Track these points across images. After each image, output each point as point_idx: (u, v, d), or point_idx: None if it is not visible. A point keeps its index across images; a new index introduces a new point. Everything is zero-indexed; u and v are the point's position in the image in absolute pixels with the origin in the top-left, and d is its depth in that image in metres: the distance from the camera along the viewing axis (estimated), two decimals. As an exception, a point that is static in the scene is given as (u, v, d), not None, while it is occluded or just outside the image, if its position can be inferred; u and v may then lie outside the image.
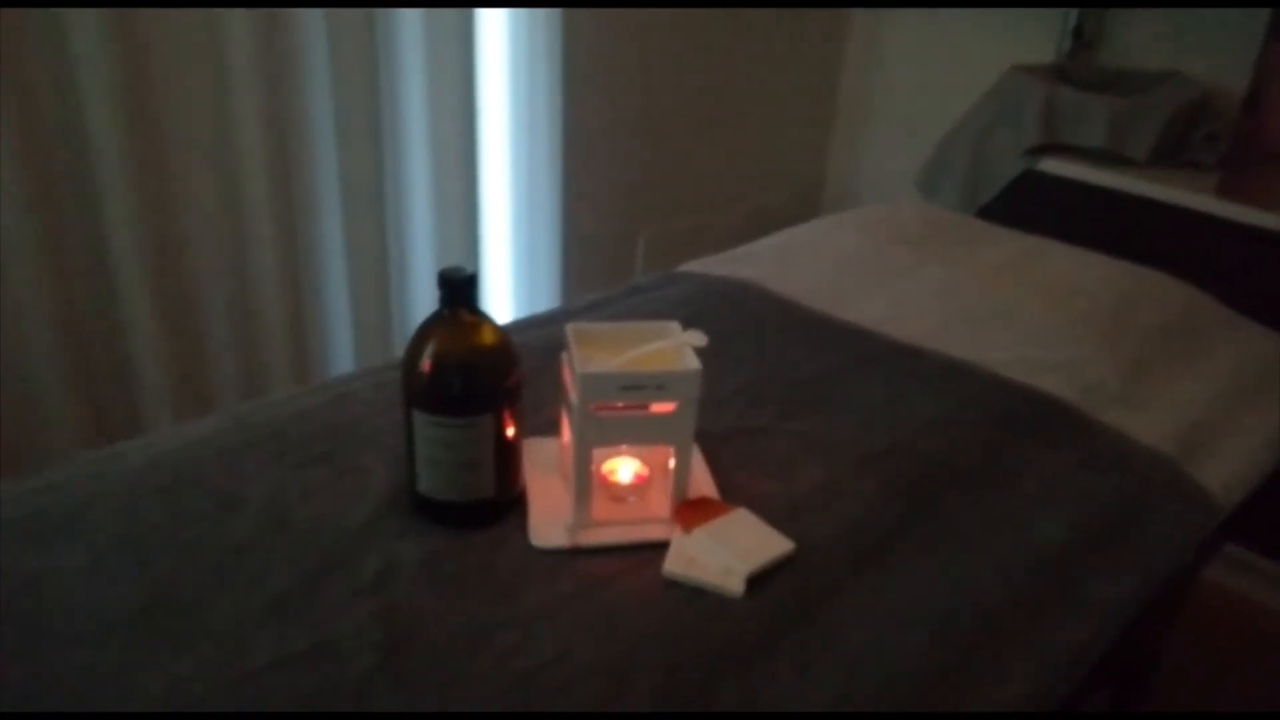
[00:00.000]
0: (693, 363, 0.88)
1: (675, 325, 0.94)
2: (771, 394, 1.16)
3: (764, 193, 2.80)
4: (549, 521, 0.91)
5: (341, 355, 1.88)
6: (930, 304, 1.37)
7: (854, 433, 1.09)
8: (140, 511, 0.89)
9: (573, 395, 0.87)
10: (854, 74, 2.87)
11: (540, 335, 1.23)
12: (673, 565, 0.86)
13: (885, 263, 1.48)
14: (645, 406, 0.88)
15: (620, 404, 0.87)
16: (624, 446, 0.96)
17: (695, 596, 0.84)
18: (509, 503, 0.93)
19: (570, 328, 0.91)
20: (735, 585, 0.84)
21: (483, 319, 0.87)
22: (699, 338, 0.90)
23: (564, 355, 0.93)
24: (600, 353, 0.90)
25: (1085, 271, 1.48)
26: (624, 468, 0.97)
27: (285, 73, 1.61)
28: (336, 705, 0.71)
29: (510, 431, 0.90)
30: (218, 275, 1.65)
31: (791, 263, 1.49)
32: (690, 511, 0.91)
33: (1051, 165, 2.19)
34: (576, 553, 0.88)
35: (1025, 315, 1.34)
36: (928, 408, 1.15)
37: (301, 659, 0.75)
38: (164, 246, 1.56)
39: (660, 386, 0.86)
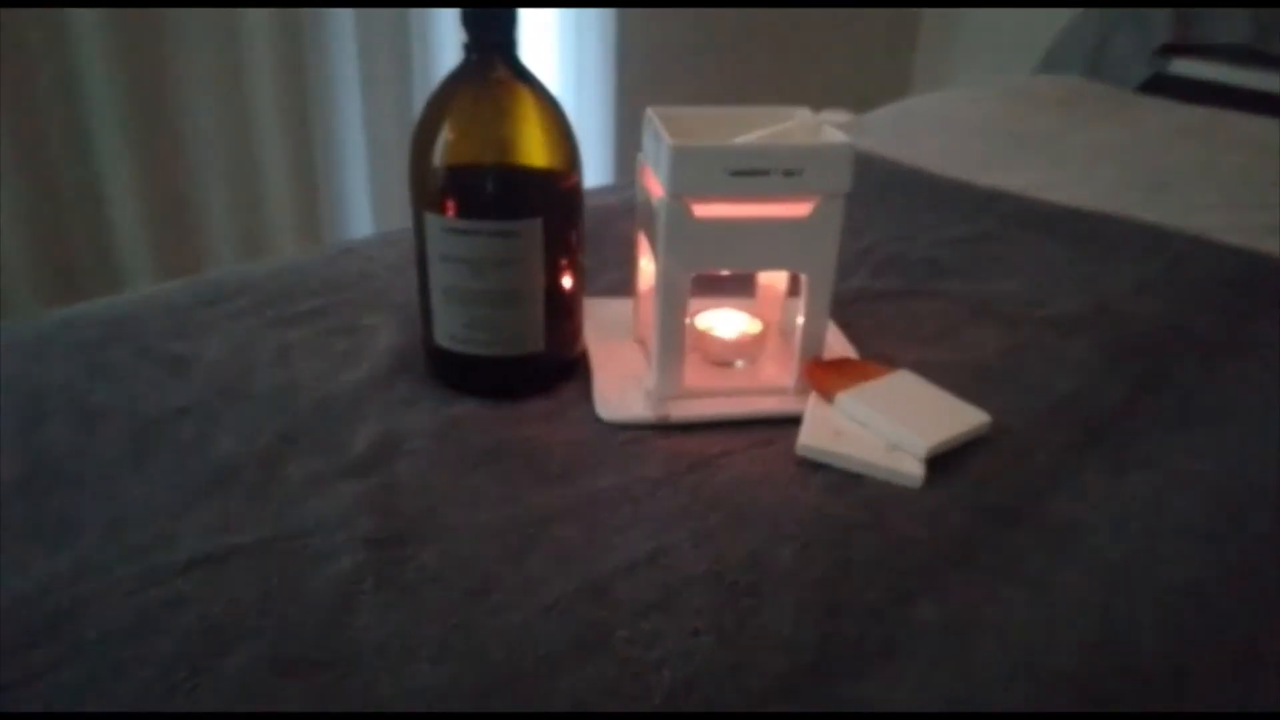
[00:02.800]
0: (840, 137, 0.60)
1: (803, 110, 0.65)
2: (911, 255, 0.87)
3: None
4: (623, 390, 0.64)
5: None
6: (1097, 169, 1.07)
7: (1037, 294, 0.79)
8: (44, 370, 0.63)
9: (659, 191, 0.59)
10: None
11: (598, 203, 0.95)
12: (813, 439, 0.57)
13: (1029, 128, 1.18)
14: (766, 207, 0.59)
15: (730, 200, 0.58)
16: (729, 289, 0.68)
17: (848, 483, 0.55)
18: (564, 366, 0.66)
19: (652, 109, 0.63)
20: (909, 467, 0.55)
21: (528, 79, 0.59)
22: (840, 115, 0.62)
23: (640, 156, 0.65)
24: (699, 140, 0.62)
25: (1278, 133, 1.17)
26: (727, 322, 0.69)
27: None
28: (299, 620, 0.44)
29: (567, 258, 0.62)
30: (218, 173, 1.39)
31: (912, 132, 1.20)
32: (829, 372, 0.63)
33: (1184, 67, 1.86)
34: (665, 428, 0.60)
35: (1226, 177, 1.04)
36: (1129, 270, 0.85)
37: (245, 555, 0.48)
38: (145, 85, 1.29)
39: (792, 171, 0.57)
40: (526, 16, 1.66)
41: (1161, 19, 1.86)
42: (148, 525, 0.50)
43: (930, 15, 2.56)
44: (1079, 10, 2.00)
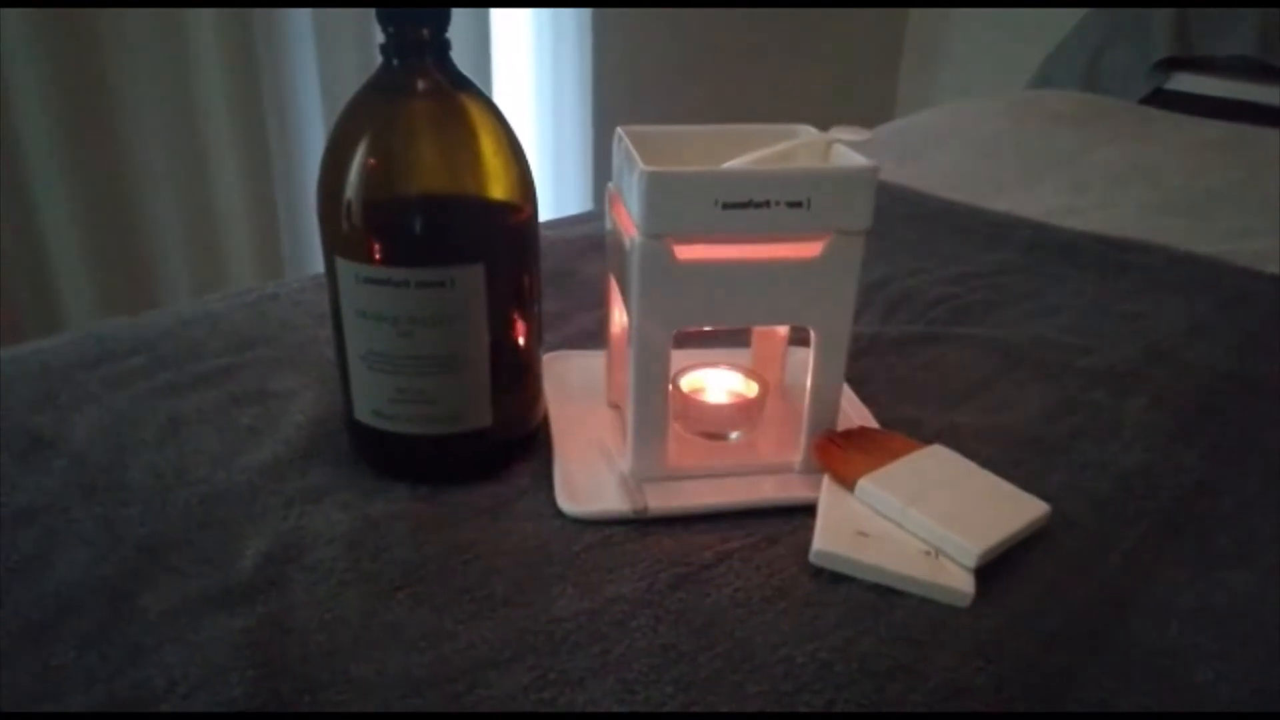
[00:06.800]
0: (857, 160, 0.48)
1: (807, 127, 0.54)
2: (927, 292, 0.76)
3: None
4: (592, 472, 0.51)
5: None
6: (1121, 190, 0.96)
7: (1077, 338, 0.68)
8: None
9: (632, 229, 0.47)
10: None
11: (567, 235, 0.84)
12: (831, 543, 0.45)
13: (1040, 146, 1.08)
14: (766, 247, 0.47)
15: (721, 240, 0.46)
16: (719, 337, 0.56)
17: (879, 602, 0.43)
18: (518, 443, 0.53)
19: (623, 128, 0.51)
20: (957, 580, 0.43)
21: (465, 89, 0.47)
22: (856, 132, 0.50)
23: (610, 185, 0.53)
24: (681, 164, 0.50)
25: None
26: (718, 383, 0.57)
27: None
28: None
29: (518, 310, 0.50)
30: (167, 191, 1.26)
31: (912, 152, 1.09)
32: (846, 450, 0.50)
33: (1186, 82, 1.77)
34: (642, 523, 0.48)
35: (1268, 198, 0.93)
36: (1177, 308, 0.74)
37: (63, 739, 0.35)
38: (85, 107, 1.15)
39: (798, 203, 0.45)
40: (498, 27, 1.56)
41: (1160, 32, 1.77)
42: (-56, 689, 0.37)
43: (914, 34, 2.47)
44: (1072, 28, 1.91)
